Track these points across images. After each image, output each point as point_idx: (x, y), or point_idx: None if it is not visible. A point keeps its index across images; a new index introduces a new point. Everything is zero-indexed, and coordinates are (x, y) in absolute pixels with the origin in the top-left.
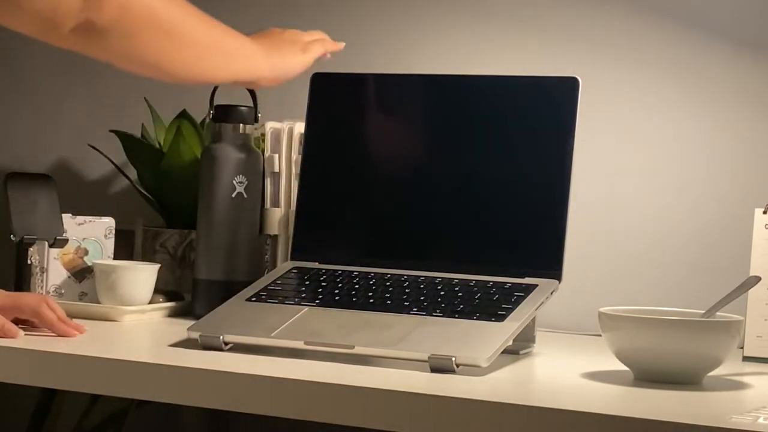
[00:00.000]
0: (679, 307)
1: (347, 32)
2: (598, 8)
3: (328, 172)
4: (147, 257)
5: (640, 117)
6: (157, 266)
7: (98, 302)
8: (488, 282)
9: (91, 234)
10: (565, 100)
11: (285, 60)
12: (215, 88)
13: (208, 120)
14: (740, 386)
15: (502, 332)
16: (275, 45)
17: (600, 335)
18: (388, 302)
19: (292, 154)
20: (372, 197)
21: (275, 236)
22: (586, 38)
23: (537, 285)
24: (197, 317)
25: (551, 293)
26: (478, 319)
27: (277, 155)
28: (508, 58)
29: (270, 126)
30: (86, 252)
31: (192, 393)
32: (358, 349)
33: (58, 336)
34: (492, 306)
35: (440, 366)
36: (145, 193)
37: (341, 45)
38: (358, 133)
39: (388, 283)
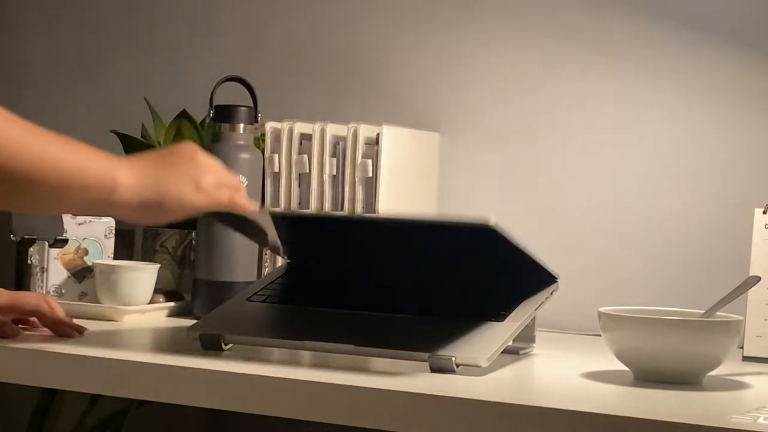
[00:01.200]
0: (679, 307)
1: None
2: (599, 9)
3: None
4: (147, 257)
5: (641, 118)
6: (157, 266)
7: (98, 302)
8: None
9: (91, 234)
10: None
11: (166, 199)
12: (215, 88)
13: (208, 120)
14: (740, 386)
15: (502, 332)
16: (163, 176)
17: (600, 335)
18: (389, 301)
19: (292, 154)
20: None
21: None
22: (588, 39)
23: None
24: (197, 317)
25: (551, 293)
26: (478, 319)
27: (277, 155)
28: (509, 60)
29: (270, 126)
30: (86, 252)
31: (192, 393)
32: (358, 349)
33: (58, 336)
34: (492, 306)
35: (440, 366)
36: None
37: (254, 205)
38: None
39: (388, 282)
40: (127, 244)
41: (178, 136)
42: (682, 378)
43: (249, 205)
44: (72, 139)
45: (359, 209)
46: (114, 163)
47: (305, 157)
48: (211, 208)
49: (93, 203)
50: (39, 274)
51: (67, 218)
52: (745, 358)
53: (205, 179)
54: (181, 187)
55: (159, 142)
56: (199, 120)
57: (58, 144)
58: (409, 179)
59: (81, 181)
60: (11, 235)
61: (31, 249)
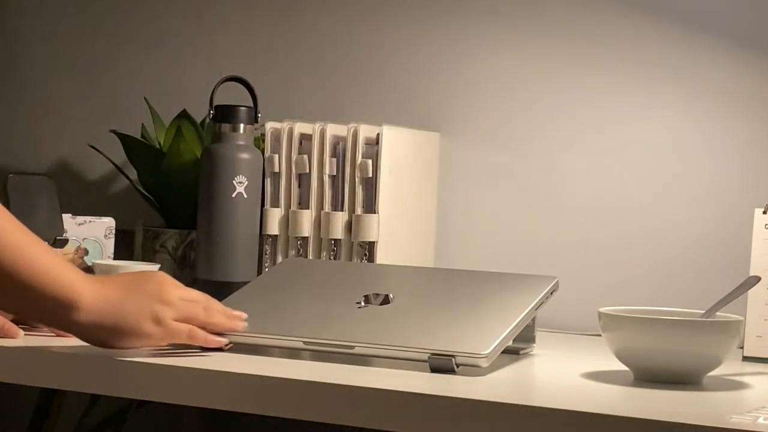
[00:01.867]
0: (679, 307)
1: None
2: (600, 9)
3: None
4: (147, 257)
5: (641, 118)
6: (157, 266)
7: None
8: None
9: (91, 234)
10: None
11: (123, 329)
12: (215, 88)
13: (208, 120)
14: (740, 386)
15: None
16: (124, 305)
17: (600, 335)
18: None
19: (292, 154)
20: None
21: (275, 236)
22: (588, 39)
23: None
24: None
25: (551, 293)
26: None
27: (277, 155)
28: (508, 60)
29: (270, 126)
30: (86, 252)
31: (192, 393)
32: (358, 349)
33: (58, 336)
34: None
35: (440, 366)
36: (145, 193)
37: (220, 341)
38: None
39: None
40: (127, 244)
41: (178, 136)
42: (682, 378)
43: (210, 340)
44: (53, 250)
45: (359, 209)
46: (81, 281)
47: (305, 157)
48: (168, 341)
49: (51, 315)
50: None
51: (67, 218)
52: (745, 358)
53: (166, 313)
54: (140, 318)
55: (159, 142)
56: (199, 120)
57: (39, 246)
58: (409, 179)
59: (46, 287)
60: None
61: None
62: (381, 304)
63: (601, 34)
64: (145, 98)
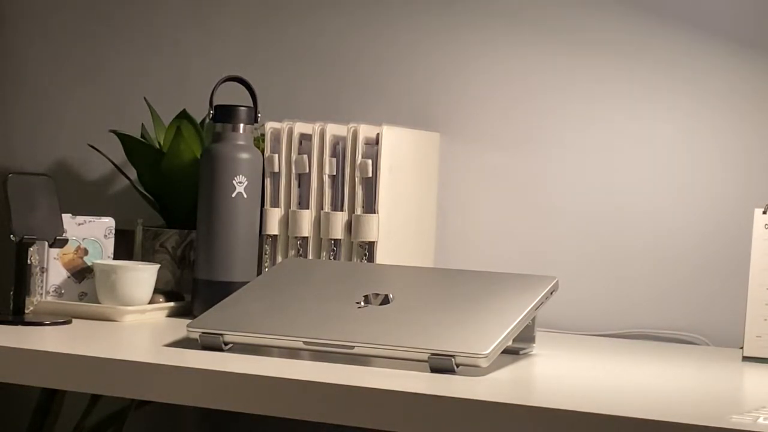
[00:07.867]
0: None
1: None
2: (601, 10)
3: None
4: (147, 257)
5: (641, 117)
6: (157, 266)
7: (98, 302)
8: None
9: (91, 234)
10: None
11: None
12: (215, 88)
13: (208, 120)
14: (740, 386)
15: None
16: None
17: (600, 335)
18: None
19: (292, 154)
20: None
21: (275, 236)
22: (588, 40)
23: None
24: (196, 317)
25: (551, 293)
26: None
27: (277, 155)
28: (509, 60)
29: (270, 126)
30: (86, 252)
31: (192, 393)
32: (358, 349)
33: None
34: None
35: (440, 366)
36: (145, 193)
37: None
38: None
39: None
40: (126, 244)
41: (178, 136)
42: None
43: None
44: None
45: (359, 209)
46: None
47: (305, 157)
48: None
49: None
50: (39, 274)
51: (66, 218)
52: (745, 358)
53: None
54: None
55: (159, 142)
56: (199, 120)
57: None
58: (409, 179)
59: None
60: (11, 235)
61: (31, 249)
62: (381, 304)
63: (603, 35)
64: (145, 98)
